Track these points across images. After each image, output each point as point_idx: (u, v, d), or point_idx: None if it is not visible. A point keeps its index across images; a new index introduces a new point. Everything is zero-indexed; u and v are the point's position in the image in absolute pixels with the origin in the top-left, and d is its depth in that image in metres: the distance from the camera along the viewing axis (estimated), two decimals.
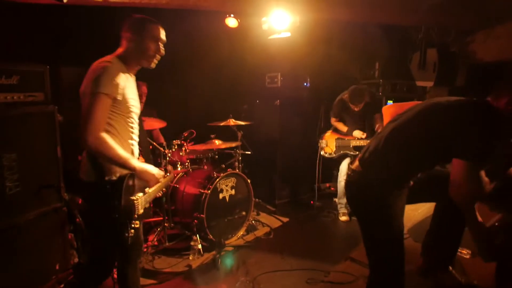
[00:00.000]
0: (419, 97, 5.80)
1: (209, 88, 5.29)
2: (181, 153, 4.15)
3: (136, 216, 2.05)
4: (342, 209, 4.73)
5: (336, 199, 4.90)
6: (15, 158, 2.61)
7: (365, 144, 4.47)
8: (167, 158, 3.92)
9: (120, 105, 2.07)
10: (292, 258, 3.64)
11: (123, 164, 2.01)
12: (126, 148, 2.13)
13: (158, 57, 2.26)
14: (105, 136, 1.94)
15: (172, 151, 4.07)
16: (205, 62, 5.03)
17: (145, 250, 3.67)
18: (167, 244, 3.82)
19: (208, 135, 4.37)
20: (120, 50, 2.17)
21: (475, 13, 4.32)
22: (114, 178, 2.04)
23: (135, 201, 2.04)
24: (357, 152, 4.54)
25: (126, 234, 1.99)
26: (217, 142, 4.26)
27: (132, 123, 2.20)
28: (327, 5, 3.77)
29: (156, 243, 3.81)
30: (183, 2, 3.24)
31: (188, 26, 4.53)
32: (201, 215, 3.67)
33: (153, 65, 2.26)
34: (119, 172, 2.06)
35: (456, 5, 3.97)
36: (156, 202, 4.10)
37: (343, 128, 4.82)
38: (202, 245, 3.69)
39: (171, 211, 4.00)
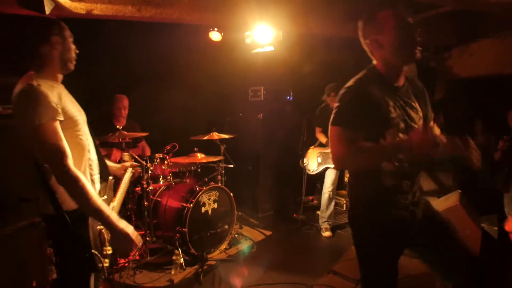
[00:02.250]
0: None
1: (192, 101, 5.29)
2: (163, 167, 4.12)
3: (107, 244, 1.91)
4: (325, 224, 4.70)
5: (318, 212, 4.90)
6: None
7: None
8: (149, 172, 3.89)
9: (65, 120, 1.78)
10: (275, 271, 3.63)
11: (98, 218, 1.76)
12: (84, 171, 1.86)
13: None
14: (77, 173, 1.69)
15: (155, 164, 4.04)
16: (189, 76, 5.04)
17: (126, 264, 3.61)
18: (148, 258, 3.77)
19: (191, 148, 4.35)
20: (39, 62, 1.83)
21: (451, 30, 4.49)
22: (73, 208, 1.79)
23: (103, 230, 1.89)
24: None
25: (100, 265, 1.83)
26: (199, 155, 4.24)
27: (82, 135, 1.90)
28: (310, 19, 3.85)
29: (137, 257, 3.76)
30: (167, 16, 3.26)
31: (171, 39, 4.54)
32: (183, 229, 3.64)
33: (72, 67, 1.95)
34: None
35: (434, 22, 4.10)
36: (137, 216, 4.05)
37: (324, 139, 4.70)
38: (184, 259, 3.65)
39: (153, 225, 3.95)
